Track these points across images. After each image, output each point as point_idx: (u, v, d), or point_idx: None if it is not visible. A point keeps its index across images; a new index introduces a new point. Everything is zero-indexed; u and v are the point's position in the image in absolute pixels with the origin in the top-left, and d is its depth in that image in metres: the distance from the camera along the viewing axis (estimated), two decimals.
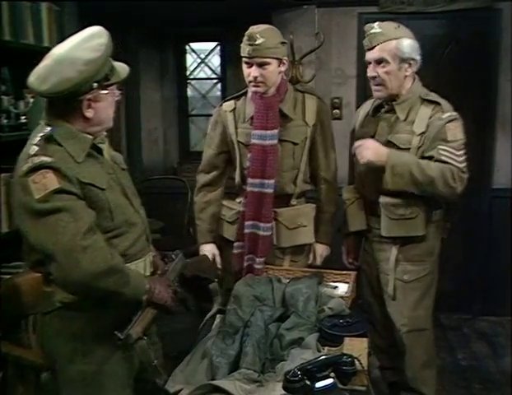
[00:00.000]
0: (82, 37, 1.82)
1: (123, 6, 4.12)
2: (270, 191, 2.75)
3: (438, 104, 2.62)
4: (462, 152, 2.58)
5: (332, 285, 2.50)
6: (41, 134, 1.80)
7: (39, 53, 3.18)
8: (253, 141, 2.74)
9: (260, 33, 2.61)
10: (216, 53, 5.53)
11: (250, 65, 2.67)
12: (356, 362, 1.72)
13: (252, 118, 2.77)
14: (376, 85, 2.66)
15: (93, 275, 1.69)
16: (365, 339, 2.07)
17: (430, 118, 2.60)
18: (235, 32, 5.01)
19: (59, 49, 1.81)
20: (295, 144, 2.79)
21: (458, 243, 4.03)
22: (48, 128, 1.81)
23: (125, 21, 4.64)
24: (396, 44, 2.58)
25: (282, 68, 2.72)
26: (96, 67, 1.77)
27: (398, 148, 2.62)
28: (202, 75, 5.64)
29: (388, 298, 2.75)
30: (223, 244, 2.95)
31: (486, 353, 3.99)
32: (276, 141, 2.73)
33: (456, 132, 2.58)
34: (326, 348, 2.02)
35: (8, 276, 2.78)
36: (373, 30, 2.61)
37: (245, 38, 2.65)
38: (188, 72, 5.59)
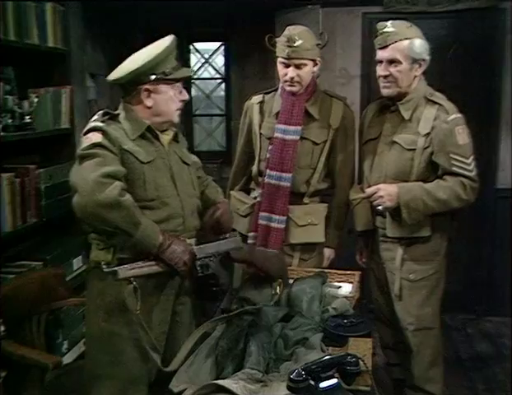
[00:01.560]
0: (157, 41, 2.16)
1: (127, 6, 4.13)
2: (287, 184, 2.82)
3: (441, 105, 2.62)
4: (472, 159, 2.59)
5: (337, 285, 2.48)
6: (108, 111, 2.15)
7: (44, 53, 3.25)
8: (276, 134, 2.83)
9: (298, 35, 2.72)
10: (220, 53, 5.54)
11: (287, 65, 2.77)
12: (361, 362, 1.71)
13: (278, 113, 2.86)
14: (386, 82, 2.66)
15: (102, 204, 1.90)
16: (369, 339, 2.07)
17: (435, 119, 2.60)
18: (239, 32, 5.05)
19: (140, 50, 2.17)
20: (315, 144, 2.85)
21: (463, 243, 4.02)
22: (117, 111, 2.16)
23: (129, 21, 4.65)
24: (409, 44, 2.59)
25: (315, 69, 2.84)
26: (154, 61, 2.07)
27: (403, 148, 2.63)
28: (205, 75, 5.66)
29: (395, 297, 2.76)
30: None
31: (490, 353, 3.99)
32: (297, 137, 2.81)
33: (465, 135, 2.59)
34: (330, 348, 2.01)
35: (12, 276, 2.81)
36: (386, 29, 2.60)
37: (284, 39, 2.74)
38: (191, 72, 5.59)
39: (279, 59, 2.80)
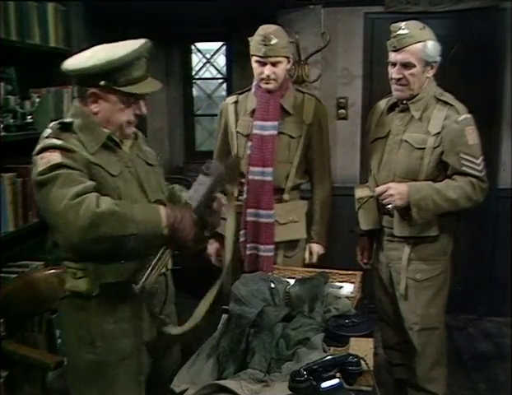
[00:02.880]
0: (123, 41, 1.90)
1: (129, 6, 4.13)
2: (270, 178, 2.88)
3: (452, 105, 2.63)
4: (481, 159, 2.59)
5: (338, 285, 2.48)
6: (60, 121, 1.87)
7: (45, 53, 3.25)
8: (254, 131, 2.89)
9: (274, 33, 2.77)
10: (222, 53, 5.55)
11: (263, 64, 2.81)
12: (362, 362, 1.71)
13: (253, 111, 2.92)
14: (399, 85, 2.66)
15: (83, 228, 1.67)
16: (370, 339, 2.07)
17: (445, 119, 2.61)
18: (241, 32, 5.02)
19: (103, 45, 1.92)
20: (291, 137, 2.92)
21: (464, 243, 4.01)
22: (69, 119, 1.88)
23: (131, 21, 4.65)
24: (422, 47, 2.59)
25: (288, 66, 2.89)
26: (108, 66, 1.79)
27: (413, 147, 2.63)
28: (207, 75, 5.66)
29: (401, 297, 2.75)
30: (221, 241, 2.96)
31: (491, 354, 3.99)
32: (275, 132, 2.87)
33: (475, 136, 2.60)
34: (332, 348, 2.02)
35: (13, 276, 2.82)
36: (400, 31, 2.60)
37: (259, 38, 2.78)
38: (193, 72, 5.60)
39: (254, 58, 2.84)
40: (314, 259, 3.01)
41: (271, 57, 2.78)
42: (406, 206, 2.58)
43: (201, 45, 5.59)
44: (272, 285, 2.34)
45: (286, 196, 2.95)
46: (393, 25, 2.66)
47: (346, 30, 4.42)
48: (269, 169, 2.87)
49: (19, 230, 2.93)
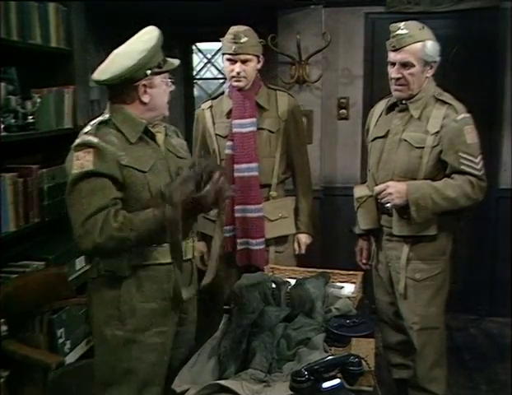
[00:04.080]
0: (137, 35, 2.08)
1: (130, 6, 4.13)
2: (255, 173, 2.98)
3: (451, 104, 2.64)
4: (480, 158, 2.60)
5: (339, 285, 2.49)
6: (101, 118, 2.06)
7: (47, 53, 3.25)
8: (234, 130, 2.99)
9: (244, 32, 2.91)
10: None
11: (233, 62, 2.93)
12: (363, 362, 1.71)
13: (230, 112, 3.02)
14: (398, 85, 2.67)
15: (102, 245, 1.90)
16: (371, 339, 2.06)
17: (444, 118, 2.61)
18: None
19: (118, 49, 2.07)
20: (271, 132, 3.03)
21: (465, 243, 4.02)
22: (107, 115, 2.06)
23: (132, 21, 4.65)
24: (422, 47, 2.60)
25: (258, 65, 3.01)
26: (149, 55, 2.00)
27: (412, 146, 2.64)
28: (208, 75, 5.66)
29: (400, 296, 2.75)
30: (208, 242, 3.07)
31: (492, 354, 3.99)
32: (254, 128, 2.98)
33: (473, 135, 2.61)
34: (333, 348, 2.01)
35: (15, 275, 2.82)
36: (399, 31, 2.61)
37: (230, 37, 2.92)
38: (194, 72, 5.60)
39: (226, 57, 2.96)
40: (303, 250, 3.14)
41: (240, 54, 2.90)
42: (405, 204, 2.58)
43: (202, 45, 5.58)
44: (273, 286, 2.35)
45: (273, 193, 3.06)
46: (392, 25, 2.67)
47: (347, 30, 4.42)
48: (254, 165, 2.96)
49: (20, 230, 2.92)
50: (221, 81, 5.57)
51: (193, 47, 5.55)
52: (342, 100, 4.50)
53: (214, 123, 3.08)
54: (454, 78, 4.08)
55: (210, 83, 5.69)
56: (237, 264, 3.04)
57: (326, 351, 1.97)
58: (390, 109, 2.80)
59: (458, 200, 2.57)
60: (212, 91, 5.62)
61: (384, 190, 2.62)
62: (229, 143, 3.00)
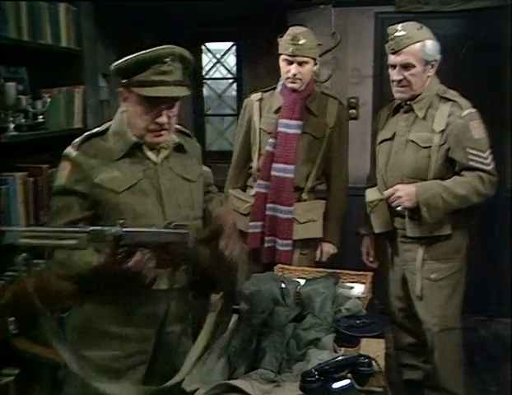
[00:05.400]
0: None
1: (139, 6, 4.14)
2: (291, 176, 2.96)
3: (455, 101, 2.63)
4: (488, 152, 2.58)
5: (349, 285, 2.48)
6: (101, 127, 1.96)
7: (57, 53, 3.26)
8: (279, 129, 2.98)
9: (302, 34, 2.89)
10: (232, 53, 5.55)
11: (290, 62, 2.92)
12: (374, 363, 1.71)
13: (278, 109, 3.01)
14: (400, 87, 2.67)
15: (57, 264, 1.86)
16: (381, 340, 2.06)
17: (449, 115, 2.60)
18: (251, 32, 5.05)
19: None
20: (315, 138, 3.00)
21: (475, 243, 3.99)
22: (109, 123, 1.97)
23: (141, 22, 4.66)
24: (421, 47, 2.60)
25: (315, 68, 2.99)
26: (127, 64, 1.82)
27: (419, 147, 2.62)
28: (217, 75, 5.66)
29: (416, 298, 2.74)
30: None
31: (502, 355, 3.96)
32: (299, 131, 2.97)
33: (480, 129, 2.59)
34: (343, 349, 2.01)
35: (25, 274, 2.83)
36: (397, 33, 2.61)
37: (288, 37, 2.89)
38: (203, 72, 5.60)
39: (282, 57, 2.94)
40: (324, 258, 3.10)
41: (298, 56, 2.88)
42: (415, 206, 2.57)
43: (211, 45, 5.59)
44: (283, 286, 2.34)
45: (304, 195, 3.05)
46: (389, 27, 2.68)
47: (357, 30, 4.41)
48: (291, 167, 2.95)
49: None
50: (231, 81, 5.57)
51: (203, 47, 5.56)
52: (352, 100, 4.49)
53: (261, 117, 3.08)
54: (464, 77, 4.07)
55: (219, 83, 5.70)
56: (262, 261, 3.05)
57: (335, 352, 1.96)
58: (396, 110, 2.80)
59: (468, 197, 2.55)
60: (222, 91, 5.62)
61: (393, 194, 2.62)
62: (271, 140, 3.00)
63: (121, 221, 1.66)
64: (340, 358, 1.71)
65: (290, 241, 2.99)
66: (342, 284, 2.47)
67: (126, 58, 1.82)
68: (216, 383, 1.79)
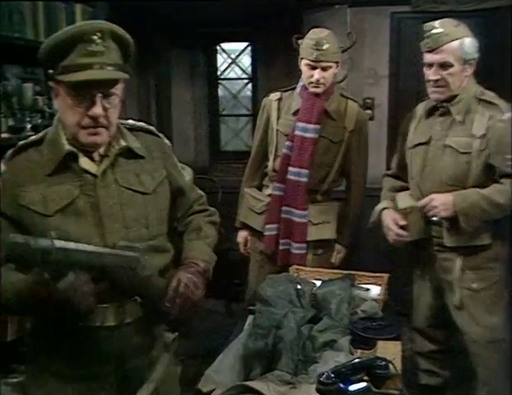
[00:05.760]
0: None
1: (155, 6, 4.15)
2: (305, 180, 2.92)
3: (495, 104, 2.48)
4: None
5: (365, 287, 2.47)
6: (47, 129, 1.65)
7: None
8: (296, 132, 2.92)
9: (326, 38, 2.83)
10: (247, 53, 5.53)
11: (313, 67, 2.85)
12: (390, 366, 1.70)
13: (297, 111, 2.95)
14: (436, 87, 2.53)
15: None
16: (398, 342, 2.05)
17: (489, 119, 2.45)
18: (266, 32, 5.05)
19: None
20: (332, 142, 2.95)
21: None
22: (51, 128, 1.65)
23: (156, 22, 4.68)
24: (459, 45, 2.46)
25: (336, 70, 2.95)
26: (52, 45, 1.50)
27: (458, 152, 2.49)
28: (232, 75, 5.65)
29: (454, 308, 2.61)
30: (250, 234, 3.19)
31: None
32: (316, 136, 2.91)
33: None
34: (359, 351, 2.00)
35: None
36: (434, 30, 2.47)
37: (311, 42, 2.83)
38: (218, 72, 5.60)
39: (305, 61, 2.89)
40: (334, 260, 3.09)
41: (322, 61, 2.83)
42: (453, 215, 2.45)
43: (226, 45, 5.58)
44: (299, 287, 2.34)
45: (319, 197, 3.02)
46: (426, 24, 2.53)
47: (373, 30, 4.39)
48: (305, 171, 2.91)
49: None
50: (246, 81, 5.57)
51: (217, 47, 5.56)
52: (368, 101, 4.46)
53: (279, 118, 3.03)
54: (480, 77, 4.03)
55: (234, 83, 5.69)
56: (277, 263, 3.03)
57: (351, 354, 1.96)
58: (430, 112, 2.64)
59: (508, 206, 2.41)
60: (237, 91, 5.62)
61: (429, 203, 2.49)
62: (288, 143, 2.95)
63: (53, 233, 1.36)
64: (357, 360, 1.71)
65: (304, 244, 2.97)
66: (358, 285, 2.46)
67: (46, 40, 1.52)
68: (233, 384, 1.80)
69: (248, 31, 5.30)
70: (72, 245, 1.40)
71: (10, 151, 1.60)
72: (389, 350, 1.95)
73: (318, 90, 2.88)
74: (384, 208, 2.76)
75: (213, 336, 3.04)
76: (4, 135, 2.71)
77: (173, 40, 5.06)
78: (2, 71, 2.86)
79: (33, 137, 1.62)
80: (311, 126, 2.89)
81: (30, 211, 1.54)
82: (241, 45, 5.53)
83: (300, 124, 2.91)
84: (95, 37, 1.48)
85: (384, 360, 1.69)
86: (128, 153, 1.67)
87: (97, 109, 1.50)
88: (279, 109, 3.04)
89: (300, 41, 2.96)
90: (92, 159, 1.61)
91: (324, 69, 2.85)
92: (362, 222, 3.95)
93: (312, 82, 2.87)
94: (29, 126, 2.87)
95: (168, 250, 1.77)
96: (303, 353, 1.96)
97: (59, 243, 1.36)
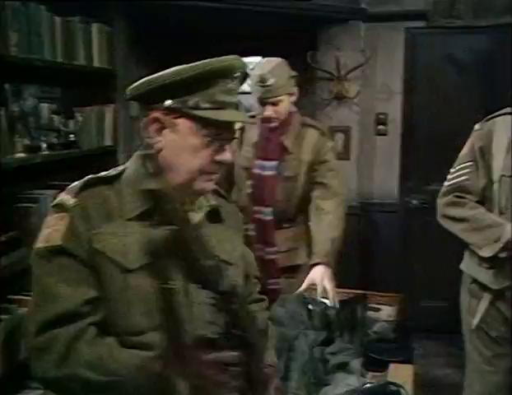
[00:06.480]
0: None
1: (171, 25, 4.19)
2: (269, 218, 2.76)
3: None
4: None
5: (377, 307, 2.47)
6: (121, 167, 1.39)
7: (90, 73, 3.33)
8: (255, 170, 2.75)
9: (271, 72, 2.56)
10: None
11: (263, 103, 2.62)
12: (402, 391, 1.70)
13: (256, 143, 2.76)
14: None
15: (43, 380, 1.27)
16: (410, 366, 2.04)
17: None
18: (280, 48, 5.05)
19: None
20: (289, 177, 2.74)
21: None
22: (122, 168, 1.38)
23: (172, 39, 4.71)
24: None
25: (292, 99, 2.69)
26: (178, 77, 1.26)
27: None
28: (246, 89, 5.68)
29: None
30: None
31: None
32: (274, 173, 2.72)
33: None
34: (370, 373, 2.00)
35: None
36: None
37: (256, 79, 2.57)
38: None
39: (254, 96, 2.65)
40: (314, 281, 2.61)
41: (269, 98, 2.59)
42: None
43: None
44: (310, 307, 2.33)
45: (286, 224, 2.82)
46: None
47: (387, 46, 4.40)
48: (268, 210, 2.74)
49: None
50: None
51: None
52: (381, 116, 4.47)
53: (240, 149, 2.79)
54: (500, 93, 4.01)
55: (248, 97, 5.71)
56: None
57: (363, 376, 1.96)
58: None
59: None
60: (251, 106, 5.63)
61: None
62: (248, 182, 2.77)
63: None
64: (368, 385, 1.71)
65: (278, 280, 2.76)
66: (369, 306, 2.46)
67: (175, 70, 1.28)
68: None
69: (261, 47, 5.32)
70: None
71: (76, 184, 1.33)
72: (401, 374, 1.95)
73: (272, 125, 2.67)
74: None
75: None
76: (20, 154, 2.74)
77: (189, 57, 5.08)
78: (20, 90, 2.90)
79: (103, 173, 1.37)
80: (267, 163, 2.72)
81: (106, 259, 1.25)
82: (255, 59, 5.55)
83: (258, 162, 2.74)
84: (236, 74, 1.34)
85: (396, 385, 1.69)
86: (213, 215, 1.44)
87: (227, 156, 1.32)
88: (241, 141, 2.81)
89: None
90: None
91: (275, 104, 2.61)
92: (375, 236, 3.94)
93: (264, 119, 2.66)
94: (44, 145, 2.90)
95: None
96: (314, 375, 1.96)
97: None
